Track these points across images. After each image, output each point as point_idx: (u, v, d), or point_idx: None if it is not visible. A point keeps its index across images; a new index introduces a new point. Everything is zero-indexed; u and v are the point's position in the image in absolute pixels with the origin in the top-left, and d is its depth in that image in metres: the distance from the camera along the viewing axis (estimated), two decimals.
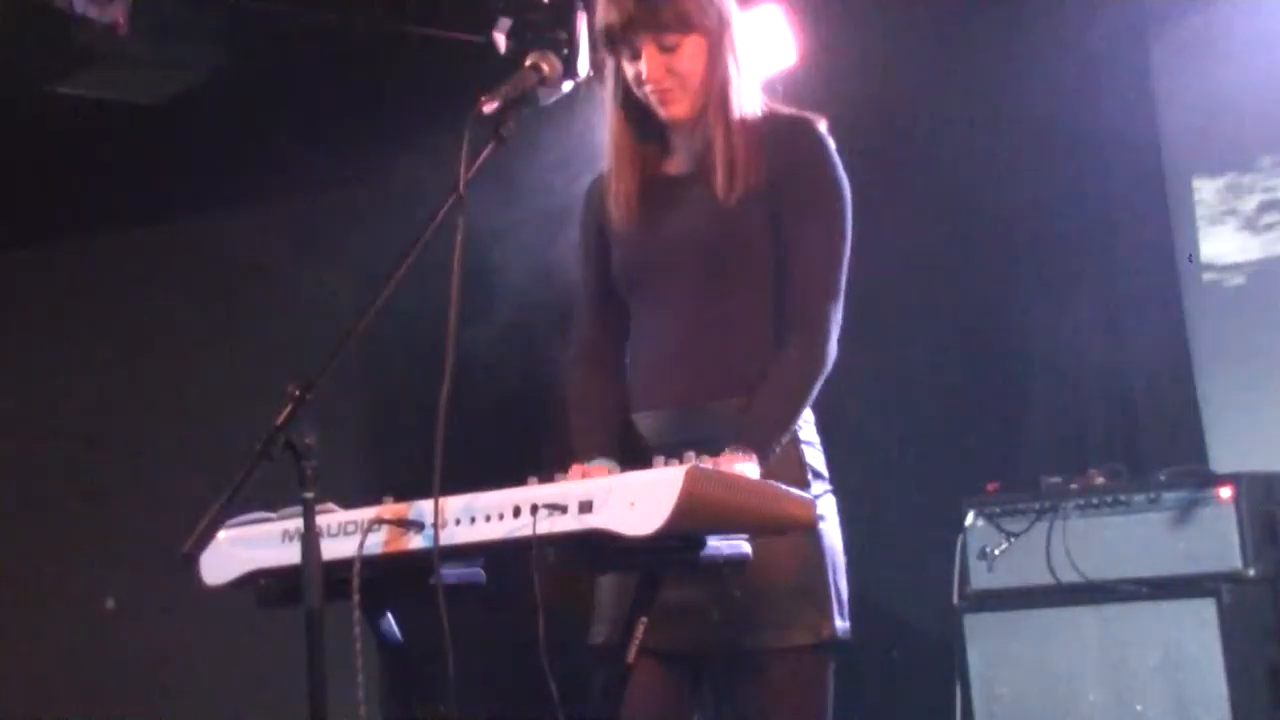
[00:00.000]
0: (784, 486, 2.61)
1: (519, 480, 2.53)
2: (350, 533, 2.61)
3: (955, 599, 4.84)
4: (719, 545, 2.51)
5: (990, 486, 4.92)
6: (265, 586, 2.76)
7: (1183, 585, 4.44)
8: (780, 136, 2.93)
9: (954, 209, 5.67)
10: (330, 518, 2.66)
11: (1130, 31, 5.48)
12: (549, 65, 2.82)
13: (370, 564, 2.57)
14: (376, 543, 2.59)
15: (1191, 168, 5.51)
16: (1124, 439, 5.39)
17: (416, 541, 2.56)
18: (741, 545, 2.57)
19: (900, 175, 5.52)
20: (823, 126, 2.96)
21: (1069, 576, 4.63)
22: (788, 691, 2.85)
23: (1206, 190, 5.49)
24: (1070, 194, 5.54)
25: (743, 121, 2.92)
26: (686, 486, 2.37)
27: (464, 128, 2.66)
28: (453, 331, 2.54)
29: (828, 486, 2.94)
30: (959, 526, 4.87)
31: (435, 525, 2.52)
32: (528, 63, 2.82)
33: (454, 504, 2.54)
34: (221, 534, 2.68)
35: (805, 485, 2.84)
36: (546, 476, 2.54)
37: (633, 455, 2.82)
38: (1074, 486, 4.73)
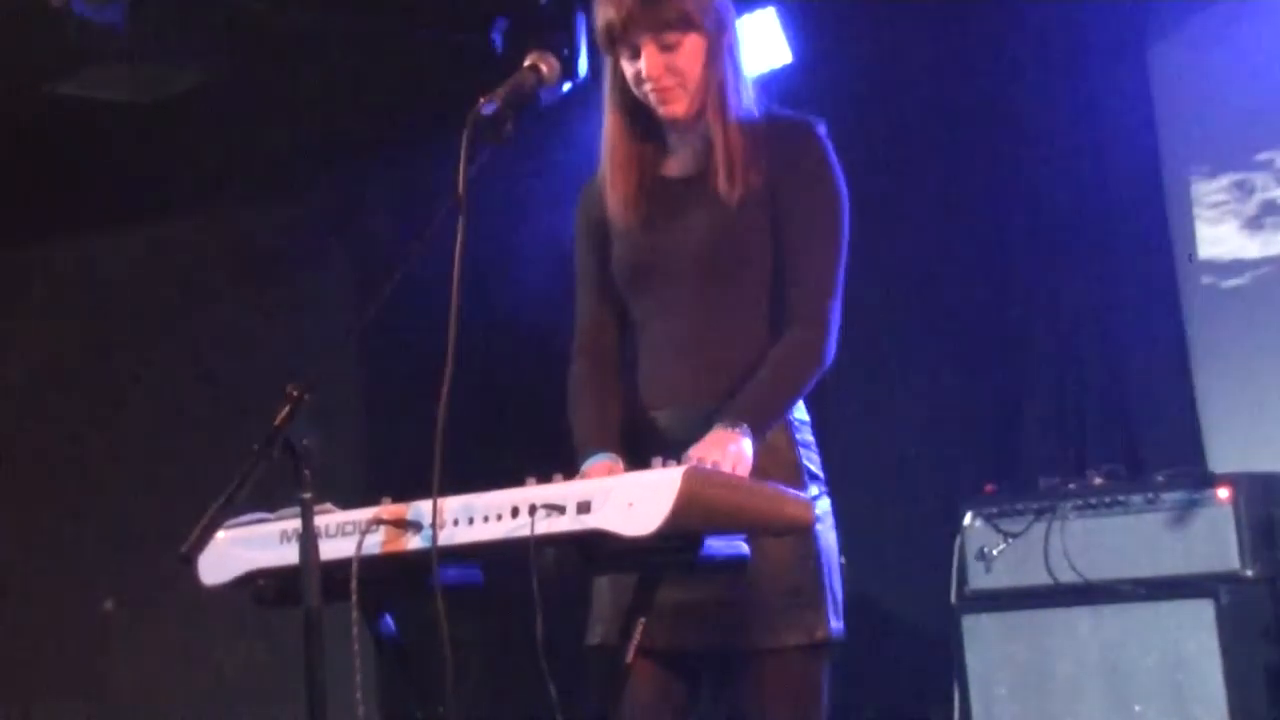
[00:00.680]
0: (782, 487, 2.61)
1: (518, 480, 2.53)
2: (349, 533, 2.61)
3: (953, 600, 4.84)
4: (717, 545, 2.52)
5: (988, 487, 4.93)
6: (264, 587, 2.76)
7: (1181, 586, 4.44)
8: (779, 138, 2.93)
9: (953, 209, 5.67)
10: (329, 518, 2.66)
11: (1129, 31, 5.48)
12: (548, 66, 2.82)
13: (369, 564, 2.57)
14: (375, 543, 2.59)
15: (1190, 168, 5.51)
16: (1122, 440, 5.39)
17: (415, 542, 2.56)
18: (740, 546, 2.57)
19: (899, 175, 5.53)
20: (821, 128, 2.97)
21: (1067, 577, 4.63)
22: (783, 691, 2.86)
23: (1205, 190, 5.49)
24: (1069, 195, 5.55)
25: (741, 122, 2.93)
26: (685, 487, 2.37)
27: (463, 128, 2.66)
28: (453, 332, 2.55)
29: (824, 488, 2.95)
30: (957, 527, 4.87)
31: (434, 525, 2.52)
32: (527, 63, 2.82)
33: (452, 504, 2.54)
34: (220, 534, 2.68)
35: (801, 487, 2.84)
36: (545, 477, 2.54)
37: (636, 453, 2.82)
38: (1072, 487, 4.73)
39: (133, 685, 6.38)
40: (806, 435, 2.95)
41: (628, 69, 2.93)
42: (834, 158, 2.96)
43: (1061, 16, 5.44)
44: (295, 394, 2.42)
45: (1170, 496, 4.55)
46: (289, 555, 2.57)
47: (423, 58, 5.59)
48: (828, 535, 2.91)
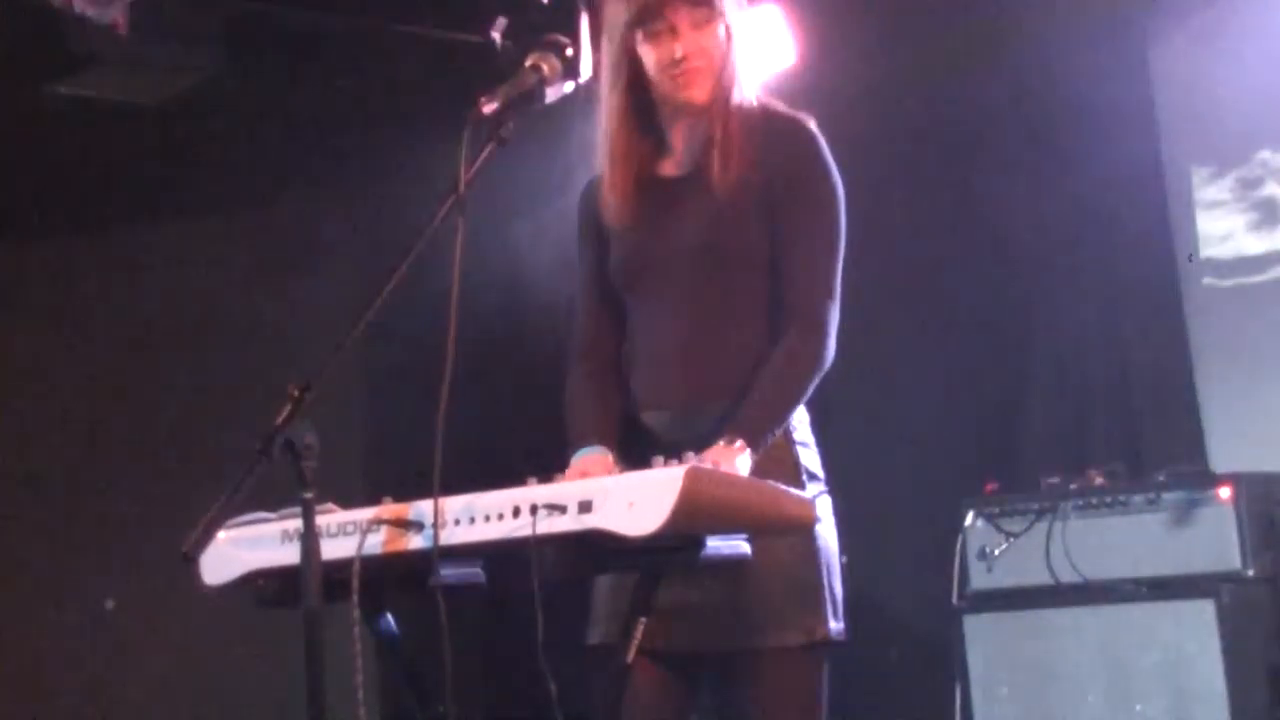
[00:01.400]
0: (783, 487, 2.61)
1: (519, 480, 2.53)
2: (350, 533, 2.61)
3: (955, 599, 4.84)
4: (718, 545, 2.52)
5: (989, 487, 4.93)
6: (265, 587, 2.76)
7: (1182, 585, 4.44)
8: (775, 134, 2.93)
9: (954, 208, 5.67)
10: (330, 518, 2.66)
11: (1130, 29, 5.48)
12: (549, 65, 2.82)
13: (370, 564, 2.57)
14: (376, 543, 2.59)
15: (1191, 167, 5.51)
16: (1123, 439, 5.39)
17: (416, 542, 2.56)
18: (741, 545, 2.57)
19: (898, 174, 5.53)
20: (815, 127, 2.97)
21: (1068, 577, 4.63)
22: (783, 691, 2.86)
23: (1206, 190, 5.49)
24: (1070, 194, 5.55)
25: (740, 112, 2.93)
26: (686, 487, 2.37)
27: (464, 128, 2.66)
28: (453, 332, 2.54)
29: (823, 488, 2.94)
30: (958, 526, 4.87)
31: (435, 525, 2.52)
32: (528, 63, 2.82)
33: (453, 504, 2.54)
34: (221, 534, 2.68)
35: (800, 486, 2.84)
36: (546, 477, 2.54)
37: (635, 453, 2.82)
38: (1073, 487, 4.73)
39: (132, 685, 6.37)
40: (805, 434, 2.95)
41: (654, 52, 2.92)
42: (829, 155, 2.95)
43: (1062, 16, 5.43)
44: (295, 393, 2.42)
45: (1171, 496, 4.55)
46: (290, 555, 2.57)
47: (423, 57, 5.59)
48: (828, 535, 2.91)
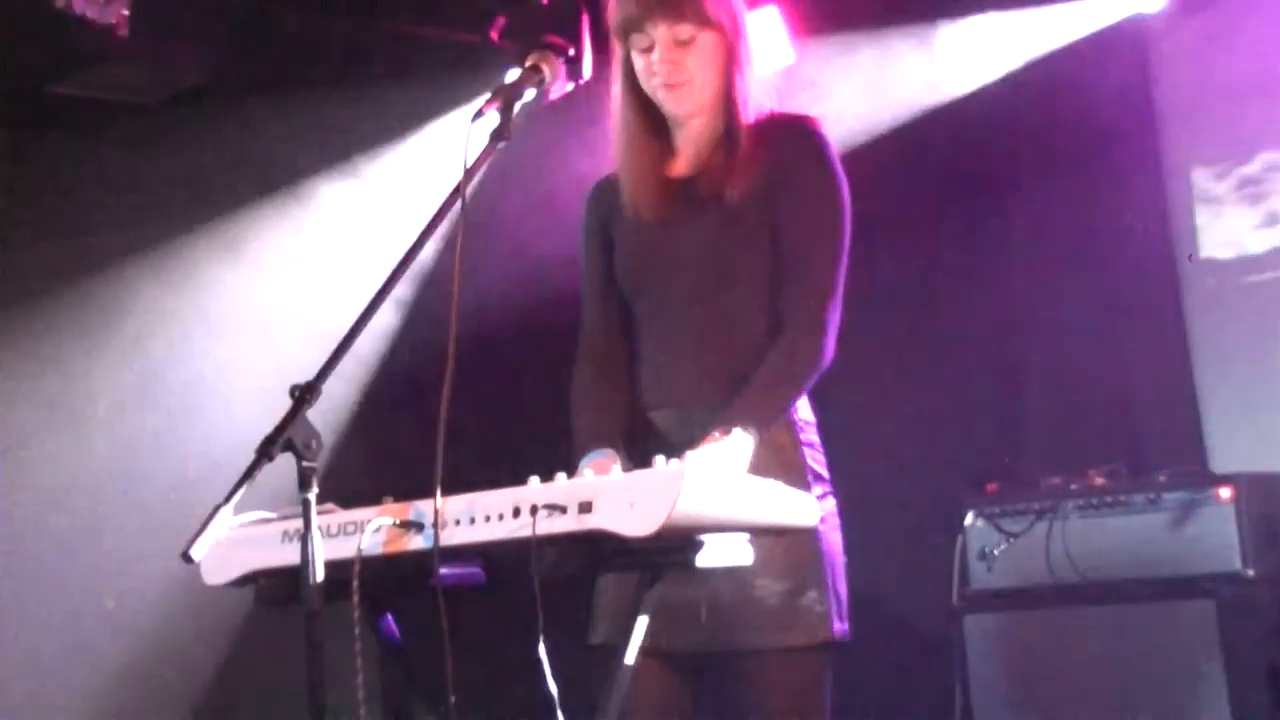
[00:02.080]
0: (785, 487, 2.61)
1: (519, 480, 2.53)
2: (350, 533, 2.61)
3: (955, 599, 4.84)
4: (719, 545, 2.52)
5: (990, 487, 4.92)
6: (265, 586, 2.76)
7: (1183, 586, 4.44)
8: (779, 137, 2.93)
9: (953, 209, 5.67)
10: (330, 518, 2.66)
11: (1130, 28, 5.48)
12: (550, 66, 2.82)
13: (370, 564, 2.57)
14: (376, 543, 2.59)
15: (1191, 167, 5.51)
16: (1124, 439, 5.39)
17: (416, 542, 2.56)
18: (742, 545, 2.57)
19: (898, 174, 5.52)
20: (820, 127, 2.97)
21: (1069, 577, 4.63)
22: (786, 692, 2.86)
23: (1207, 190, 5.49)
24: (1070, 193, 5.55)
25: (745, 122, 2.93)
26: (686, 486, 2.37)
27: (464, 128, 2.66)
28: (454, 332, 2.54)
29: (828, 489, 2.94)
30: (959, 527, 4.87)
31: (435, 525, 2.52)
32: (528, 63, 2.82)
33: (454, 504, 2.54)
34: (221, 534, 2.68)
35: (805, 487, 2.84)
36: (547, 476, 2.54)
37: (641, 453, 2.82)
38: (1074, 487, 4.73)
39: (132, 685, 6.37)
40: (811, 436, 2.95)
41: (639, 62, 2.93)
42: (835, 158, 2.95)
43: (1062, 14, 5.44)
44: (296, 393, 2.42)
45: (1172, 496, 4.55)
46: (290, 555, 2.57)
47: (423, 57, 5.58)
48: (832, 536, 2.91)
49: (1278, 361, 5.25)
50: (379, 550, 2.59)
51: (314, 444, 2.39)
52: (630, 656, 2.59)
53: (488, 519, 2.51)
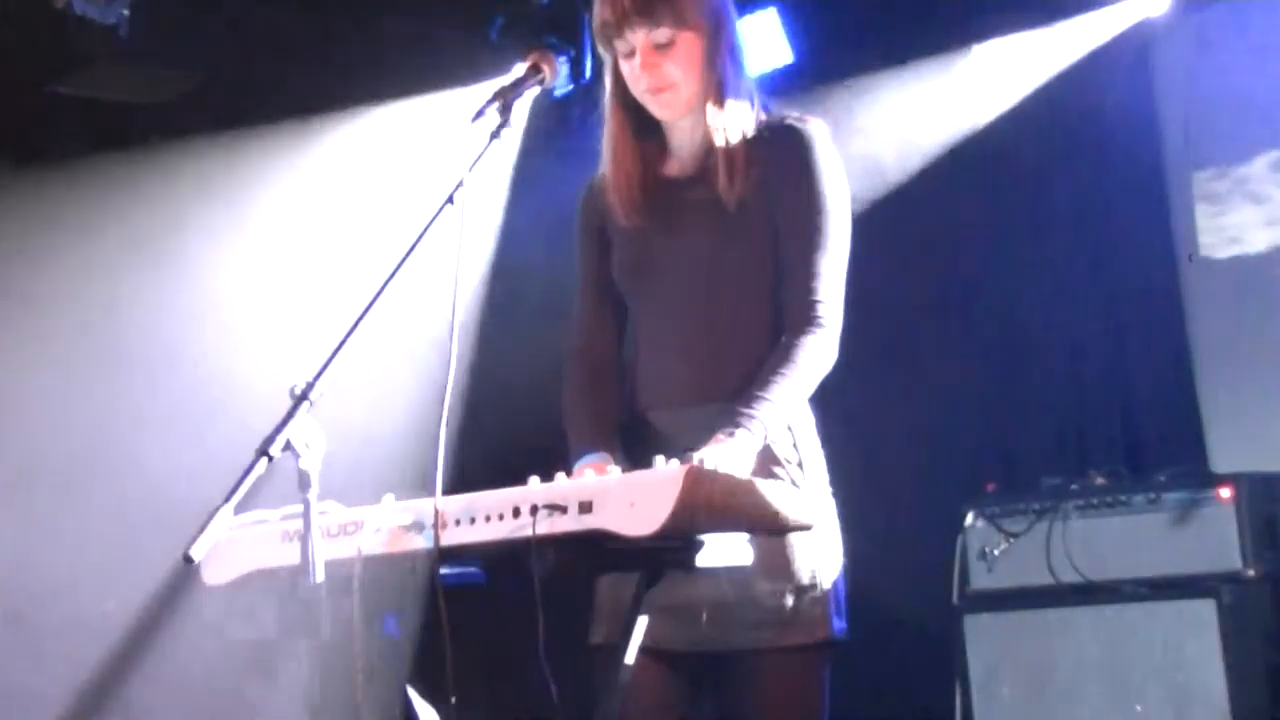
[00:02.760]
0: (784, 487, 2.61)
1: (519, 480, 2.53)
2: (350, 533, 2.61)
3: (955, 599, 4.84)
4: (719, 545, 2.51)
5: (990, 487, 4.92)
6: (265, 587, 2.76)
7: (1183, 585, 4.44)
8: (779, 139, 2.93)
9: (954, 208, 5.67)
10: (330, 518, 2.66)
11: (1131, 29, 5.48)
12: (549, 66, 2.83)
13: (370, 564, 2.57)
14: (376, 543, 2.59)
15: (1192, 167, 5.51)
16: (1124, 439, 5.39)
17: (416, 542, 2.56)
18: (742, 545, 2.57)
19: (898, 174, 5.52)
20: (821, 128, 2.96)
21: (1069, 577, 4.63)
22: (784, 690, 2.86)
23: (1207, 188, 5.49)
24: (1070, 193, 5.55)
25: (740, 122, 2.93)
26: (686, 486, 2.37)
27: (464, 128, 2.66)
28: (455, 332, 2.54)
29: (827, 488, 2.94)
30: (959, 527, 4.87)
31: (435, 525, 2.52)
32: (528, 63, 2.82)
33: (454, 504, 2.54)
34: (222, 534, 2.68)
35: (804, 488, 2.84)
36: (547, 476, 2.54)
37: (639, 453, 2.82)
38: (1074, 487, 4.73)
39: (131, 685, 6.37)
40: (810, 436, 2.95)
41: (624, 68, 2.93)
42: (835, 159, 2.95)
43: (1062, 15, 5.44)
44: (296, 393, 2.42)
45: (1172, 496, 4.55)
46: (290, 555, 2.57)
47: (422, 57, 5.58)
48: (831, 535, 2.91)
49: (1277, 362, 5.25)
50: (379, 550, 2.58)
51: (313, 444, 2.39)
52: (630, 656, 2.59)
53: (488, 519, 2.51)
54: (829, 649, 2.87)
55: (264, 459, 2.36)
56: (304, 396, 2.41)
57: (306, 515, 2.43)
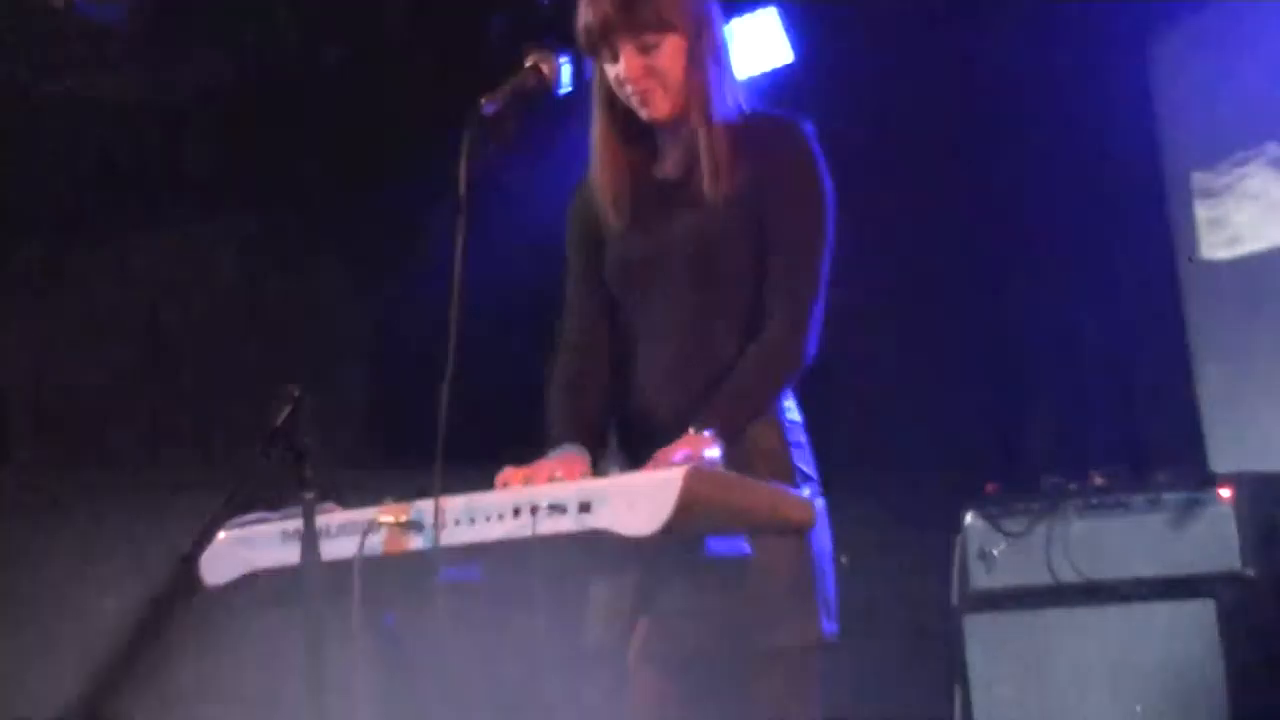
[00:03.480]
0: (782, 487, 2.61)
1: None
2: (350, 533, 2.61)
3: (955, 599, 4.84)
4: (718, 545, 2.52)
5: (989, 487, 4.92)
6: (265, 587, 2.76)
7: (1183, 586, 4.44)
8: (763, 137, 2.93)
9: (953, 208, 5.67)
10: (330, 518, 2.66)
11: (1130, 29, 5.48)
12: (549, 66, 2.83)
13: (370, 564, 2.57)
14: (376, 543, 2.59)
15: (1191, 167, 5.51)
16: (1124, 439, 5.39)
17: (416, 542, 2.56)
18: (741, 545, 2.57)
19: (897, 174, 5.53)
20: (806, 126, 2.96)
21: (1069, 577, 4.63)
22: (777, 692, 2.85)
23: (1206, 188, 5.49)
24: (1069, 193, 5.55)
25: (726, 122, 2.93)
26: (685, 487, 2.37)
27: (465, 129, 2.66)
28: (454, 330, 2.55)
29: (816, 489, 2.94)
30: (958, 527, 4.87)
31: (435, 525, 2.52)
32: (528, 63, 2.82)
33: (454, 504, 2.54)
34: (221, 534, 2.68)
35: (794, 488, 2.84)
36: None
37: (635, 452, 2.82)
38: (1073, 487, 4.73)
39: (131, 685, 6.37)
40: (799, 436, 2.95)
41: (609, 71, 2.93)
42: (819, 156, 2.94)
43: (1062, 15, 5.44)
44: (295, 394, 2.42)
45: (1172, 496, 4.55)
46: (290, 555, 2.57)
47: (424, 57, 5.59)
48: (820, 536, 2.91)
49: (1277, 362, 5.25)
50: (379, 550, 2.59)
51: (313, 443, 2.39)
52: (628, 657, 2.59)
53: (488, 519, 2.51)
54: (819, 650, 2.87)
55: (263, 459, 2.37)
56: (304, 396, 2.41)
57: (306, 515, 2.43)
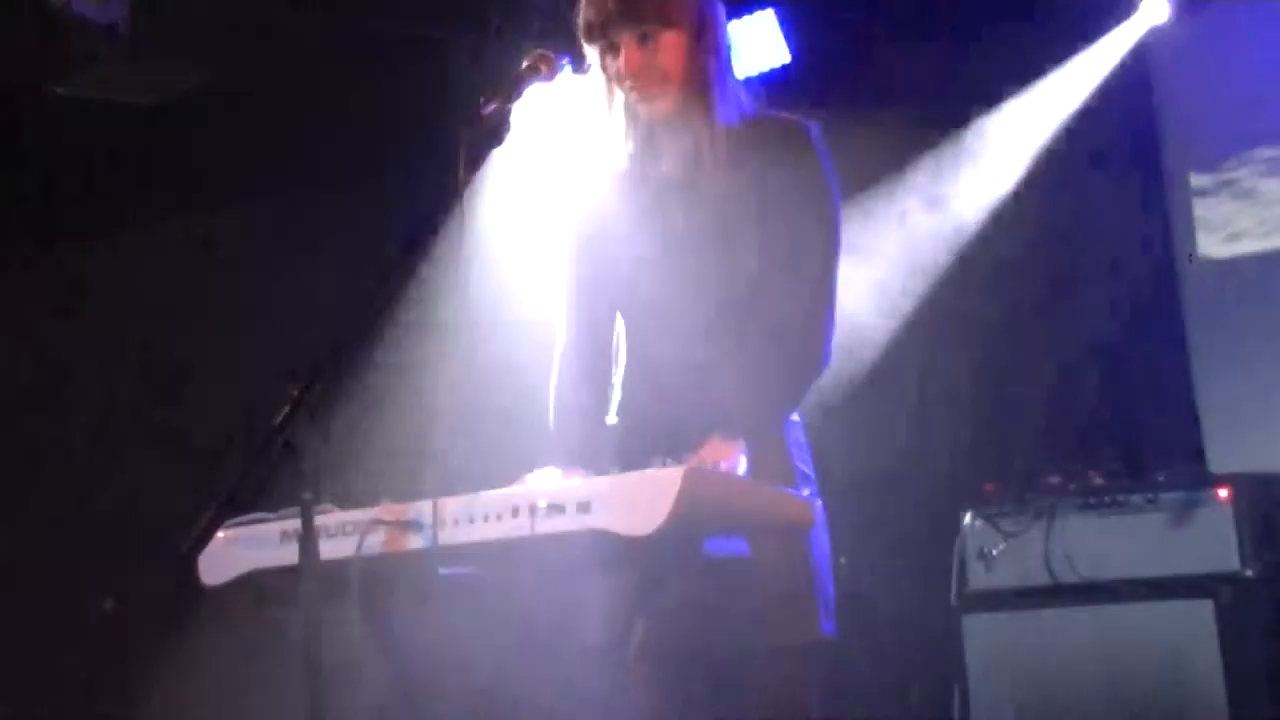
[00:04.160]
0: (782, 488, 2.62)
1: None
2: (349, 533, 2.61)
3: (953, 599, 4.84)
4: (718, 545, 2.52)
5: (988, 487, 4.92)
6: (264, 587, 2.76)
7: (1181, 585, 4.44)
8: (770, 140, 2.92)
9: (952, 209, 5.67)
10: (329, 518, 2.66)
11: (1129, 29, 5.48)
12: (548, 65, 2.82)
13: (369, 564, 2.57)
14: (375, 543, 2.59)
15: (1191, 167, 5.51)
16: (1123, 439, 5.39)
17: (415, 542, 2.56)
18: (740, 546, 2.57)
19: (897, 174, 5.52)
20: (813, 130, 2.95)
21: (1067, 577, 4.63)
22: (776, 692, 2.86)
23: (1206, 190, 5.49)
24: (1069, 193, 5.55)
25: (728, 121, 2.92)
26: (685, 487, 2.37)
27: (464, 128, 2.66)
28: (454, 330, 2.55)
29: (814, 490, 2.94)
30: (957, 527, 4.87)
31: (435, 525, 2.52)
32: (527, 63, 2.82)
33: (453, 504, 2.54)
34: (220, 534, 2.68)
35: (793, 488, 2.84)
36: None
37: (628, 456, 2.82)
38: (1072, 487, 4.73)
39: (130, 685, 6.37)
40: (799, 436, 2.95)
41: (610, 67, 2.93)
42: (826, 161, 2.94)
43: (1062, 15, 5.44)
44: (294, 393, 2.42)
45: (1170, 496, 4.55)
46: (289, 555, 2.57)
47: (423, 57, 5.59)
48: (819, 537, 2.91)
49: (1277, 362, 5.25)
50: (378, 550, 2.59)
51: (313, 443, 2.39)
52: (628, 657, 2.59)
53: (487, 519, 2.51)
54: (818, 650, 2.88)
55: (262, 458, 2.37)
56: (303, 396, 2.41)
57: (306, 515, 2.43)
